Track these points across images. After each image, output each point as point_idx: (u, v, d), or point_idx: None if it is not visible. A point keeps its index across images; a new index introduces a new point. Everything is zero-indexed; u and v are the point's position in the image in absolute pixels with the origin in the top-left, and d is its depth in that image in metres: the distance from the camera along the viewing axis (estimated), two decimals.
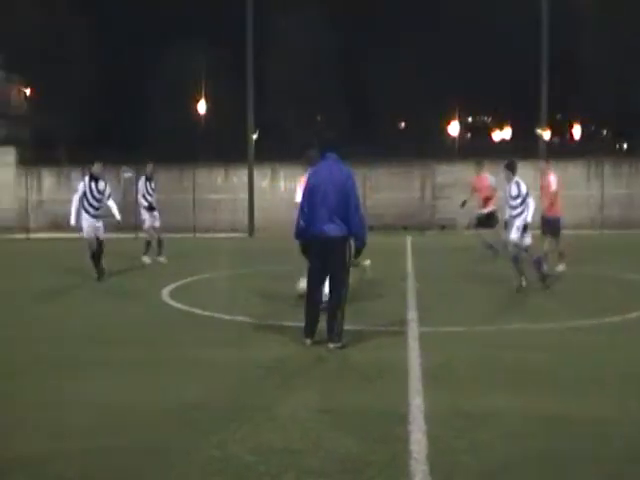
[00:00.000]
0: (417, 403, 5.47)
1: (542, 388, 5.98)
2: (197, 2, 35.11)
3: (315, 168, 7.73)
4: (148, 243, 16.41)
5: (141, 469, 4.35)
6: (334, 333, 7.39)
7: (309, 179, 7.58)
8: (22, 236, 27.06)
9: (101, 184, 13.37)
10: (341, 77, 35.24)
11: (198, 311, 9.74)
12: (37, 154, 32.27)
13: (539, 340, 7.87)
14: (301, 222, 7.45)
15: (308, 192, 7.45)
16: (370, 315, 9.23)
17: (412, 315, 9.25)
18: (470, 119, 50.83)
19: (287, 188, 27.61)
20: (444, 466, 4.35)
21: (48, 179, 30.92)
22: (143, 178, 16.74)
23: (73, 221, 13.02)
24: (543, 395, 5.77)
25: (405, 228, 27.31)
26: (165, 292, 11.50)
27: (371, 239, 7.91)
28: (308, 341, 7.47)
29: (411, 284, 12.09)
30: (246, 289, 12.00)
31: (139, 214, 16.91)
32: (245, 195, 28.32)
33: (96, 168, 13.48)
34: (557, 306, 10.11)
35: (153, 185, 16.68)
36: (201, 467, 4.35)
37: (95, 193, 13.21)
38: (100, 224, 13.20)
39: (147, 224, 16.54)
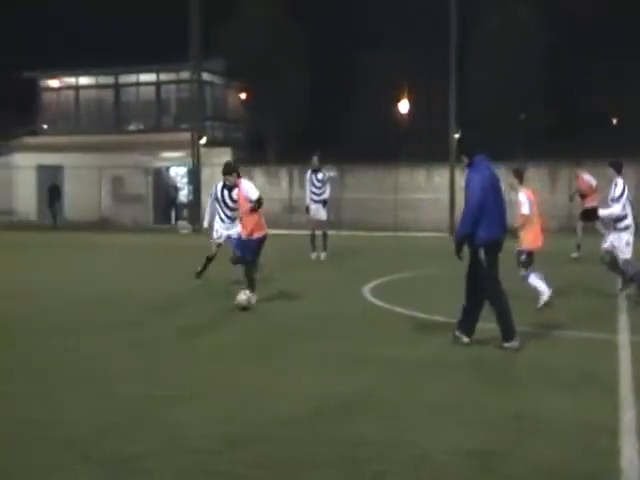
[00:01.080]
0: (629, 417, 5.14)
1: None
2: (403, 2, 35.34)
3: (476, 171, 7.37)
4: (312, 238, 16.26)
5: (340, 461, 4.48)
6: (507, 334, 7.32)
7: (475, 181, 7.27)
8: None
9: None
10: (546, 74, 33.74)
11: (397, 309, 9.83)
12: (250, 154, 34.22)
13: None
14: (469, 226, 7.17)
15: (478, 195, 7.18)
16: (577, 321, 8.80)
17: (624, 322, 8.69)
18: None
19: None
20: None
21: (259, 178, 32.67)
22: (309, 171, 16.47)
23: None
24: None
25: None
26: (366, 289, 11.73)
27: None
28: (517, 343, 7.26)
29: (624, 289, 11.34)
30: (445, 288, 11.89)
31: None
32: (447, 195, 28.13)
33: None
34: None
35: (320, 177, 16.26)
36: (399, 464, 4.39)
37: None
38: None
39: (321, 217, 16.30)
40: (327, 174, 16.64)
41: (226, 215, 11.92)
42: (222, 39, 33.48)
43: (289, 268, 15.10)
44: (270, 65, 33.55)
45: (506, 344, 7.25)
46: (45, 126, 38.88)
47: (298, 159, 31.98)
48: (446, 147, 28.05)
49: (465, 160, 7.46)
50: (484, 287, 7.30)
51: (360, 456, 4.51)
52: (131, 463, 4.38)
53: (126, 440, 4.78)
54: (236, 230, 11.38)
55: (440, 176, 29.53)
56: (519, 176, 9.76)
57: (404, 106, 34.22)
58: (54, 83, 39.02)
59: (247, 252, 10.08)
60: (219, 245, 12.28)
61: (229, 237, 11.92)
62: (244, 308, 9.66)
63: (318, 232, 16.35)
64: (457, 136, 29.06)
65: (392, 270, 14.23)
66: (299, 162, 32.13)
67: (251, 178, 33.05)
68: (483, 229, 7.13)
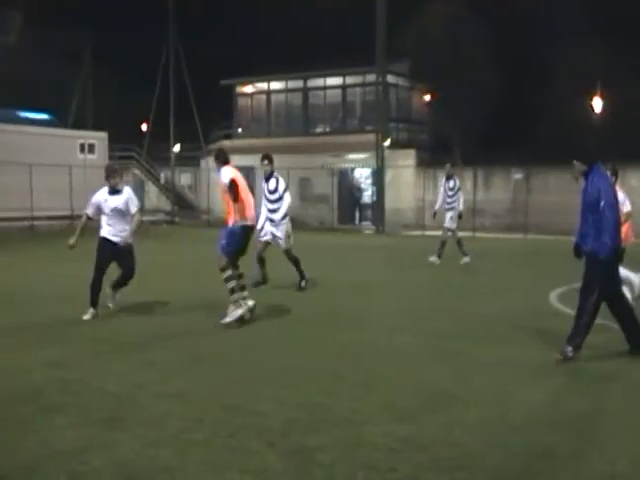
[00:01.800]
0: None
1: None
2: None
3: (597, 178, 7.05)
4: (443, 243, 16.11)
5: (529, 473, 4.37)
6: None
7: (602, 189, 6.96)
8: (418, 233, 28.81)
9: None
10: None
11: None
12: (434, 156, 34.03)
13: None
14: (612, 237, 7.00)
15: (612, 203, 7.04)
16: None
17: None
18: None
19: None
20: None
21: (443, 180, 32.41)
22: (444, 178, 16.66)
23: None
24: None
25: None
26: (554, 294, 11.32)
27: None
28: (571, 354, 6.99)
29: None
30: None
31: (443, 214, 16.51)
32: None
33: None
34: None
35: (451, 185, 16.30)
36: None
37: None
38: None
39: (446, 224, 16.23)
40: (459, 181, 16.71)
41: (268, 210, 11.31)
42: (407, 40, 33.54)
43: (474, 271, 14.90)
44: (455, 65, 33.15)
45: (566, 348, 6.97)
46: (240, 130, 41.09)
47: (484, 160, 31.41)
48: None
49: (582, 167, 7.11)
50: (585, 292, 7.37)
51: (547, 470, 4.37)
52: (312, 455, 4.54)
53: (307, 432, 4.95)
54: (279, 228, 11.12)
55: (636, 179, 27.69)
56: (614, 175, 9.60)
57: (597, 104, 32.43)
58: (248, 89, 41.12)
59: (228, 243, 8.85)
60: (267, 244, 11.42)
61: (274, 236, 11.39)
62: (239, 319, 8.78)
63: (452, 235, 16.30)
64: None
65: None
66: (484, 163, 31.55)
67: (436, 179, 33.01)
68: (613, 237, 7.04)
